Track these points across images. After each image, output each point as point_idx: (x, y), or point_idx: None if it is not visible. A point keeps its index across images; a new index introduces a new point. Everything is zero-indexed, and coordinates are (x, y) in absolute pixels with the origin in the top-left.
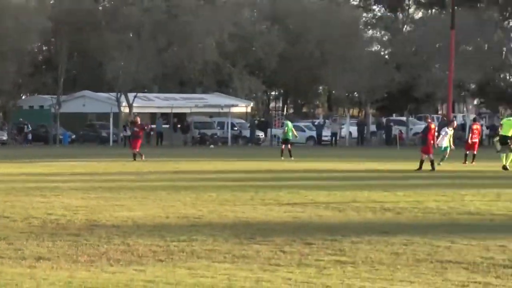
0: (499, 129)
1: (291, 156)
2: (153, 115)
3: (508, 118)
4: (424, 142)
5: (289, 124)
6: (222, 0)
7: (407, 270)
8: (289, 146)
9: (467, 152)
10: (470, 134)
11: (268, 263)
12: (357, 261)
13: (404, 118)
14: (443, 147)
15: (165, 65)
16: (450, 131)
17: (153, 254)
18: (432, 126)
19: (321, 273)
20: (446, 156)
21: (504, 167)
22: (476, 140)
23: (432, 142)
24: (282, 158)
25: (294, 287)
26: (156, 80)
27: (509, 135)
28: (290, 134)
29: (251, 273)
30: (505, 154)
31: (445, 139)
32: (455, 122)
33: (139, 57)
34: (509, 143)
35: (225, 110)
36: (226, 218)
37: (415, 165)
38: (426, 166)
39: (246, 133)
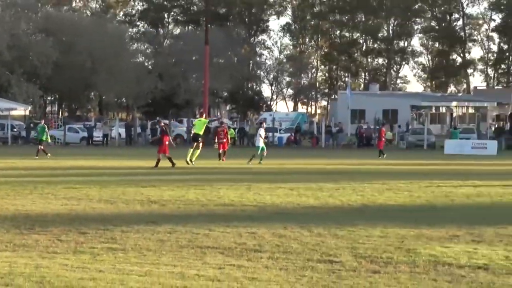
0: (192, 129)
1: (47, 154)
2: None
3: (199, 119)
4: (161, 142)
5: (45, 126)
6: (0, 13)
7: (171, 255)
8: (41, 146)
9: (220, 151)
10: (217, 136)
11: (47, 251)
12: (127, 248)
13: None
14: (260, 147)
15: None
16: (262, 132)
17: None
18: (165, 129)
19: (95, 259)
20: (265, 154)
21: (188, 162)
22: (224, 140)
23: (167, 142)
24: (37, 157)
25: (70, 272)
26: None
27: (201, 133)
28: (44, 135)
29: (31, 260)
30: (192, 150)
31: (261, 140)
32: (264, 123)
33: None
34: (199, 141)
35: (5, 113)
36: (7, 211)
37: (180, 162)
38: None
39: (25, 134)
